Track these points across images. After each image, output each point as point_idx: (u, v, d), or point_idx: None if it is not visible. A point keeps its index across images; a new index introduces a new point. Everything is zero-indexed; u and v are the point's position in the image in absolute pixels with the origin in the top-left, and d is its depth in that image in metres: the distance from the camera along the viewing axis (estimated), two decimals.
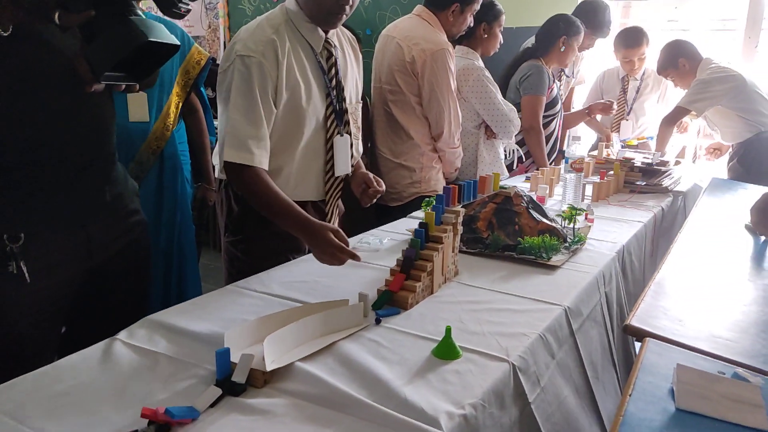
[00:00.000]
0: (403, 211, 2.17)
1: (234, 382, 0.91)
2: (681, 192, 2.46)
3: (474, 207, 1.67)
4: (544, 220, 1.64)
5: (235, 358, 0.93)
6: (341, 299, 1.18)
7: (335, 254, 1.30)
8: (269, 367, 0.92)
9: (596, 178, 2.39)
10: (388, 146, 2.48)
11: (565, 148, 3.35)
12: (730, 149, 3.04)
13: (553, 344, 1.17)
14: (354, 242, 1.61)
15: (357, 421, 0.85)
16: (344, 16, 1.54)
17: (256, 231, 1.63)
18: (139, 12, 1.12)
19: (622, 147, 2.99)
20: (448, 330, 1.03)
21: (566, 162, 2.72)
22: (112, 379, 0.95)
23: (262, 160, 1.49)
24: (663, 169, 2.51)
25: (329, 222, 1.62)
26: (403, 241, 1.64)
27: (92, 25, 1.09)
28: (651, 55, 3.21)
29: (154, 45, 1.11)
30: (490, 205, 1.66)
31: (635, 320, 1.16)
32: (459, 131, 2.50)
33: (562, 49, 2.85)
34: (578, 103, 3.68)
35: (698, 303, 1.32)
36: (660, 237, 2.19)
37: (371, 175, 1.69)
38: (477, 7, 2.45)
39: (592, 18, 3.12)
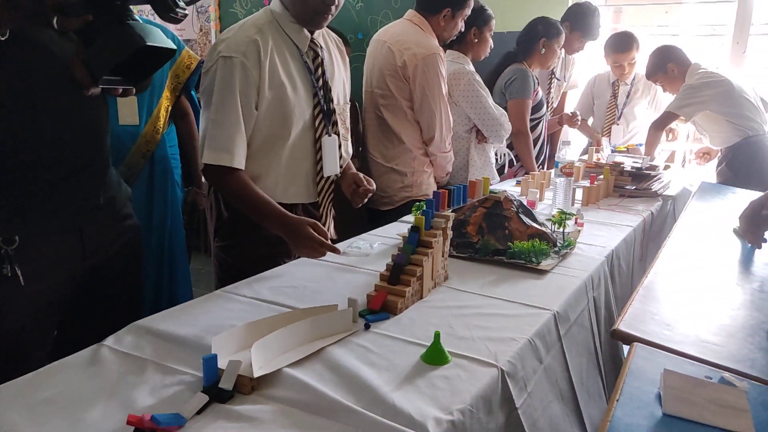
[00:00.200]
0: (394, 215, 2.17)
1: (221, 389, 0.90)
2: (670, 196, 2.48)
3: (464, 211, 1.67)
4: (534, 225, 1.65)
5: (222, 364, 0.93)
6: (330, 304, 1.18)
7: (315, 247, 1.31)
8: (257, 374, 0.92)
9: (586, 183, 2.40)
10: (379, 150, 2.48)
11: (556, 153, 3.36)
12: (719, 153, 3.06)
13: (541, 349, 1.17)
14: (344, 246, 1.61)
15: (345, 428, 0.85)
16: (330, 16, 1.55)
17: (246, 236, 1.63)
18: (136, 17, 1.13)
19: (612, 152, 3.00)
20: (437, 335, 1.03)
21: (557, 166, 2.73)
22: (98, 385, 0.95)
23: (241, 161, 1.51)
24: (653, 173, 2.53)
25: (324, 225, 1.63)
26: (394, 246, 1.64)
27: (90, 30, 1.10)
28: (641, 60, 3.23)
29: (151, 49, 1.12)
30: (480, 209, 1.66)
31: (623, 325, 1.17)
32: (450, 135, 2.50)
33: (542, 52, 2.86)
34: (571, 108, 3.69)
35: (686, 307, 1.32)
36: (650, 241, 2.20)
37: (361, 174, 1.70)
38: (468, 12, 2.46)
39: (582, 20, 3.14)
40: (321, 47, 1.65)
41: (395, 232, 1.84)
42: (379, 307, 1.21)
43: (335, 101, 1.68)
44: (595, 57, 3.57)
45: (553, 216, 1.74)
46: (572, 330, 1.35)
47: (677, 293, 1.41)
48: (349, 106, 1.80)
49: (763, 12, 3.36)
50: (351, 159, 1.84)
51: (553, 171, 2.64)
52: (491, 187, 1.73)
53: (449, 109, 2.47)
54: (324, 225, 1.69)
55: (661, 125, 2.97)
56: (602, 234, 1.87)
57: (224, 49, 1.49)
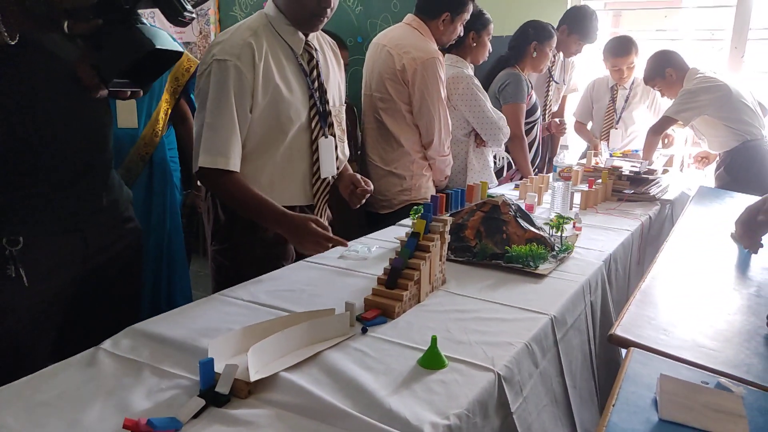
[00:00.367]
0: (393, 219, 2.18)
1: (217, 393, 0.90)
2: (668, 200, 2.48)
3: (462, 215, 1.67)
4: (532, 229, 1.65)
5: (219, 368, 0.92)
6: (327, 308, 1.18)
7: (319, 242, 1.31)
8: (253, 378, 0.92)
9: (584, 187, 2.40)
10: (378, 154, 2.48)
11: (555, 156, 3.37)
12: (718, 158, 3.07)
13: (537, 353, 1.17)
14: (342, 250, 1.61)
15: None
16: (325, 18, 1.56)
17: (243, 239, 1.63)
18: (144, 21, 1.15)
19: (610, 156, 3.01)
20: (434, 339, 1.03)
21: (555, 170, 2.73)
22: (95, 388, 0.94)
23: (236, 163, 1.51)
24: (651, 177, 2.53)
25: None
26: (392, 249, 1.64)
27: (99, 34, 1.11)
28: (640, 64, 3.24)
29: (159, 52, 1.13)
30: (478, 213, 1.66)
31: (620, 330, 1.17)
32: (449, 139, 2.51)
33: (534, 55, 2.87)
34: (570, 111, 3.70)
35: (683, 312, 1.33)
36: (647, 245, 2.20)
37: (358, 175, 1.70)
38: (467, 16, 2.47)
39: (579, 23, 3.15)
40: (316, 49, 1.65)
41: (393, 235, 1.84)
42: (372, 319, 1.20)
43: (331, 103, 1.69)
44: (595, 61, 3.58)
45: (551, 220, 1.74)
46: (569, 334, 1.35)
47: (674, 298, 1.42)
48: (344, 107, 1.81)
49: (761, 17, 3.37)
50: (350, 162, 1.85)
51: (551, 175, 2.64)
52: (489, 191, 1.74)
53: (448, 112, 2.47)
54: None
55: (659, 130, 2.97)
56: (600, 238, 1.87)
57: (219, 53, 1.50)
